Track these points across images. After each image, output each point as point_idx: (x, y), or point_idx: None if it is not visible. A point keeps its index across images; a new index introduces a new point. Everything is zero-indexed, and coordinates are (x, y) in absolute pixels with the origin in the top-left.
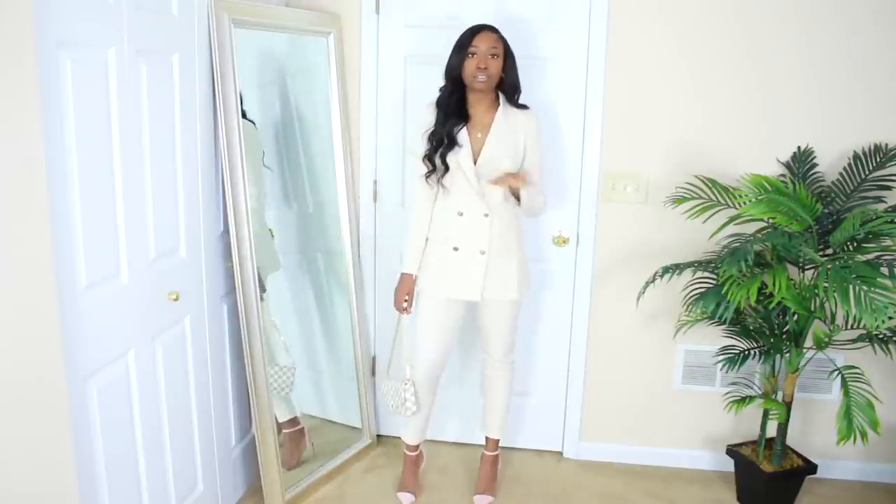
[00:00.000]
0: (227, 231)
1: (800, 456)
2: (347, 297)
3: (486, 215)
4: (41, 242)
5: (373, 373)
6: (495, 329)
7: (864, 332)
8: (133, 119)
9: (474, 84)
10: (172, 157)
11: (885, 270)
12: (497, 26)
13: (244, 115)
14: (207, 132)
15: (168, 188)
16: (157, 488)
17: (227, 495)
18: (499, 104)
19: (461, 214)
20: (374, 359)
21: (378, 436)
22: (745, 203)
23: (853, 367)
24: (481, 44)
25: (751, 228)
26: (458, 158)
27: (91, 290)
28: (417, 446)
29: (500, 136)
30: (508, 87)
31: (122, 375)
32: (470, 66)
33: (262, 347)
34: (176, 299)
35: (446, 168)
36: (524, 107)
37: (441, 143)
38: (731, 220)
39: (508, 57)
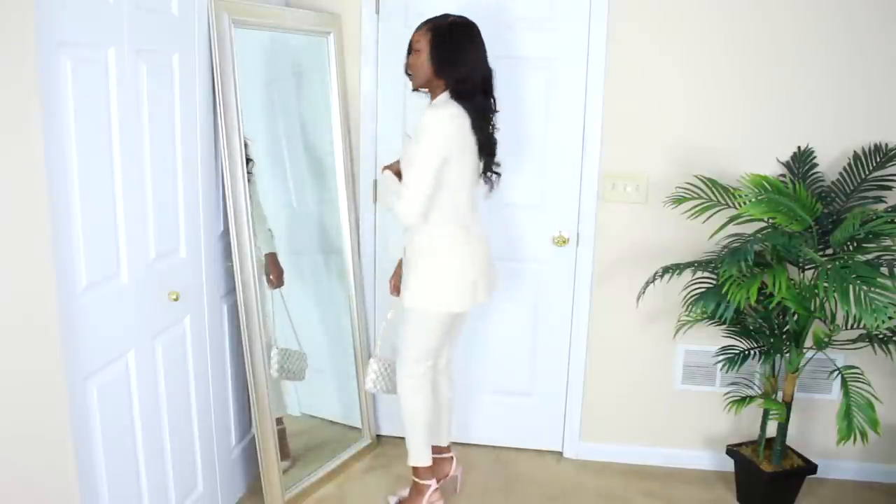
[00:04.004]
0: (227, 231)
1: (800, 456)
2: (347, 297)
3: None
4: (41, 242)
5: None
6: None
7: (864, 332)
8: (133, 119)
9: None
10: (172, 157)
11: (885, 270)
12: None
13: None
14: (207, 132)
15: (168, 188)
16: (157, 488)
17: (227, 495)
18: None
19: None
20: None
21: (378, 436)
22: (745, 203)
23: (853, 367)
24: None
25: (751, 228)
26: None
27: (91, 289)
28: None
29: (412, 135)
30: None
31: (122, 375)
32: None
33: (262, 347)
34: (176, 299)
35: None
36: (450, 103)
37: None
38: (731, 220)
39: (436, 46)
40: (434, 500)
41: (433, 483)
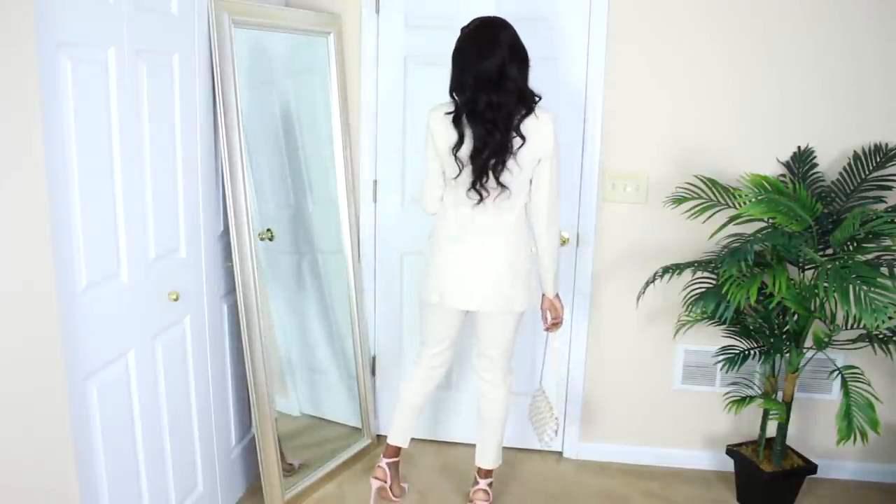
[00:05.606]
0: (227, 231)
1: (800, 456)
2: (347, 297)
3: None
4: (41, 242)
5: (373, 373)
6: None
7: (864, 332)
8: (133, 119)
9: None
10: (172, 157)
11: (885, 270)
12: None
13: None
14: (207, 132)
15: (168, 188)
16: (157, 488)
17: (227, 495)
18: None
19: None
20: (373, 359)
21: (378, 436)
22: (745, 203)
23: (853, 367)
24: None
25: (751, 228)
26: None
27: (91, 289)
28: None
29: None
30: None
31: (122, 375)
32: None
33: (262, 347)
34: (176, 299)
35: None
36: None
37: None
38: (731, 220)
39: None
40: (379, 476)
41: (382, 462)
